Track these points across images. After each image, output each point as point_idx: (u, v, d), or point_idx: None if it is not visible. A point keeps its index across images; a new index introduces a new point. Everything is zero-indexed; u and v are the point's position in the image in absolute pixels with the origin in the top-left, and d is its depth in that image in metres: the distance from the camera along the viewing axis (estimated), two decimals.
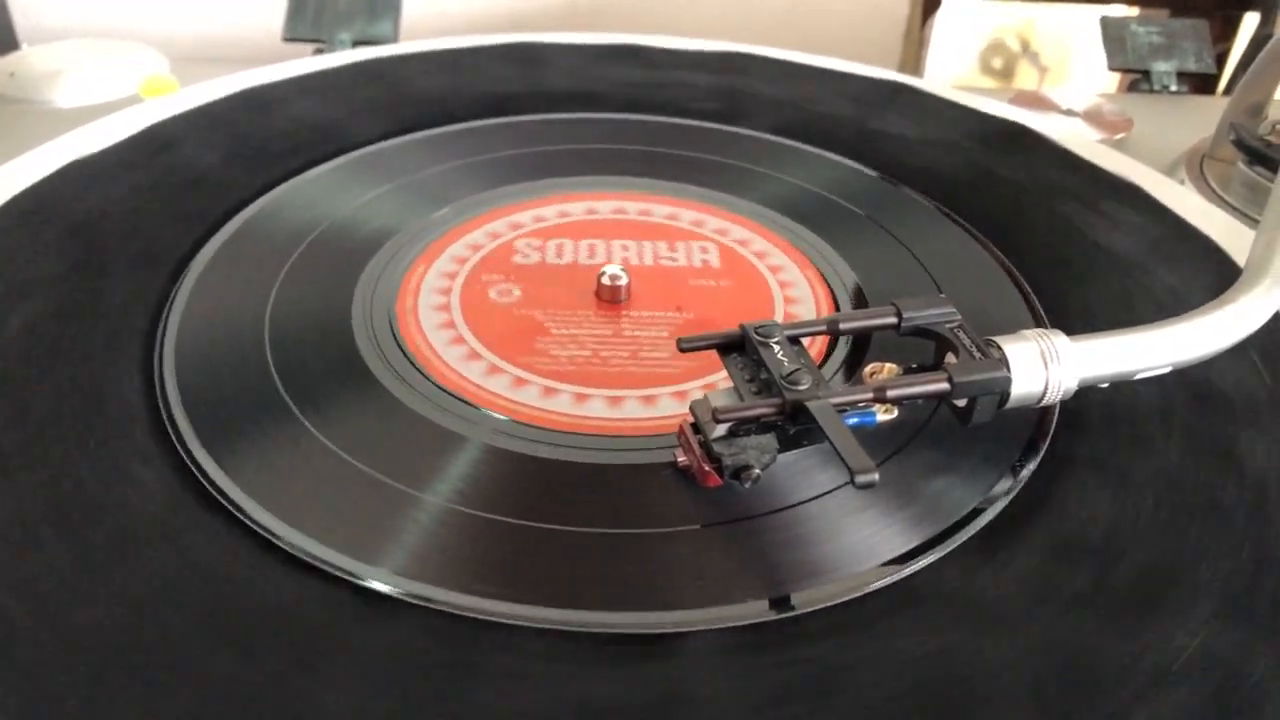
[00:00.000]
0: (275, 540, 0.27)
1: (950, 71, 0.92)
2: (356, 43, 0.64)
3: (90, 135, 0.44)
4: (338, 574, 0.26)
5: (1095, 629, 0.25)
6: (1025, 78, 0.95)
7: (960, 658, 0.25)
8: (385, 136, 0.47)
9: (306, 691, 0.23)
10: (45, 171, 0.41)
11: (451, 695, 0.23)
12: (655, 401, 0.32)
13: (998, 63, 0.94)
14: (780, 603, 0.26)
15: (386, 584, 0.26)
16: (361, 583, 0.26)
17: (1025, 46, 0.94)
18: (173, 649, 0.24)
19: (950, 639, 0.25)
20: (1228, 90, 0.78)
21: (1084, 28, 0.90)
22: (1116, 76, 0.79)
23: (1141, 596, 0.26)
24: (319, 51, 0.63)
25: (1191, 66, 0.66)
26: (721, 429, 0.27)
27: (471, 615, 0.25)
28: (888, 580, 0.26)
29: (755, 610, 0.26)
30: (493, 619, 0.25)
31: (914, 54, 0.89)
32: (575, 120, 0.49)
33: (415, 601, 0.25)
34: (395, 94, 0.51)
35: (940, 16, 0.88)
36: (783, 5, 0.84)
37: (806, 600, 0.26)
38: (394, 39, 0.64)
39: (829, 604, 0.26)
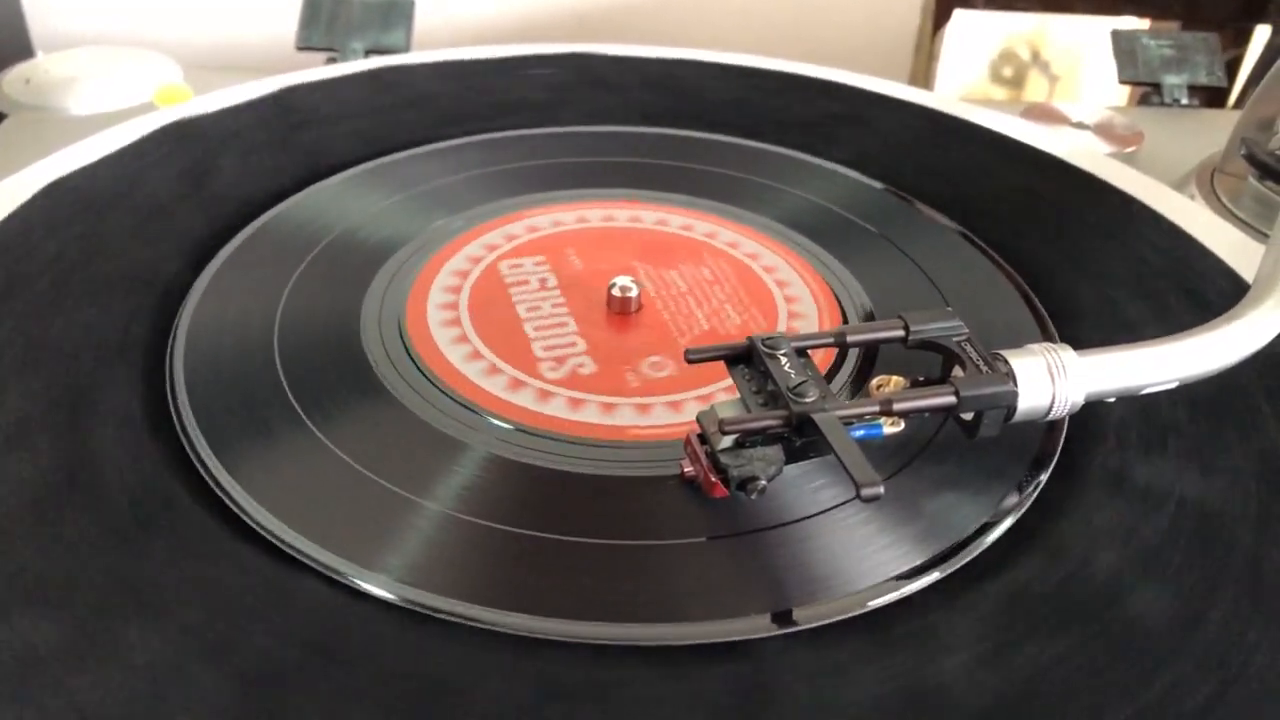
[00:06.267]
0: (280, 544, 0.27)
1: (960, 82, 0.92)
2: (369, 52, 0.65)
3: (106, 140, 0.45)
4: (340, 579, 0.26)
5: (1102, 653, 0.25)
6: (1035, 87, 0.95)
7: (962, 677, 0.24)
8: (398, 147, 0.47)
9: (306, 697, 0.23)
10: (60, 173, 0.42)
11: (447, 705, 0.23)
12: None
13: (1008, 71, 0.94)
14: (782, 617, 0.26)
15: (388, 591, 0.26)
16: (364, 588, 0.26)
17: (1035, 56, 0.94)
18: (170, 652, 0.24)
19: (953, 658, 0.25)
20: (1238, 104, 0.78)
21: (1094, 38, 0.90)
22: (1127, 88, 0.79)
23: (1154, 622, 0.26)
24: (332, 60, 0.64)
25: (1202, 79, 0.66)
26: (728, 440, 0.27)
27: (472, 624, 0.25)
28: (891, 597, 0.26)
29: (757, 625, 0.26)
30: (496, 629, 0.25)
31: (925, 65, 0.89)
32: (588, 132, 0.50)
33: (416, 609, 0.25)
34: (407, 103, 0.52)
35: (950, 28, 0.88)
36: (792, 17, 0.85)
37: (809, 616, 0.26)
38: (406, 48, 0.65)
39: (831, 620, 0.26)
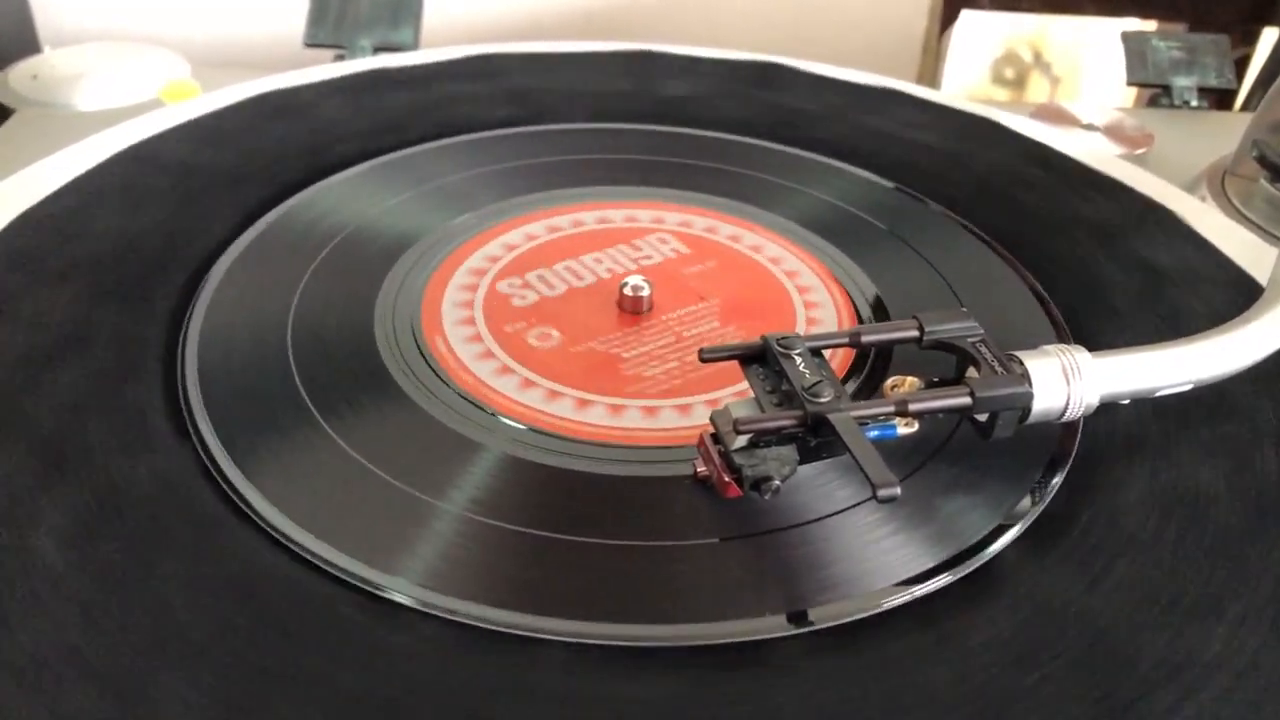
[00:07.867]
0: (293, 546, 0.27)
1: (966, 82, 0.92)
2: (377, 49, 0.64)
3: (115, 137, 0.45)
4: (357, 583, 0.26)
5: (1120, 658, 0.25)
6: (1037, 88, 0.95)
7: (976, 682, 0.24)
8: (410, 143, 0.47)
9: (322, 699, 0.23)
10: (72, 174, 0.42)
11: (467, 708, 0.23)
12: (684, 411, 0.32)
13: (1010, 73, 0.94)
14: (797, 618, 0.26)
15: (406, 594, 0.26)
16: (380, 593, 0.26)
17: (1038, 57, 0.94)
18: (187, 653, 0.24)
19: (968, 662, 0.25)
20: (1245, 106, 0.78)
21: (1100, 40, 0.90)
22: (1132, 90, 0.78)
23: (1173, 623, 0.26)
24: (340, 58, 0.64)
25: (1212, 82, 0.66)
26: (742, 440, 0.27)
27: (489, 627, 0.25)
28: (903, 599, 0.26)
29: (771, 626, 0.26)
30: (510, 631, 0.25)
31: (931, 66, 0.89)
32: (597, 130, 0.49)
33: (433, 612, 0.25)
34: (417, 100, 0.51)
35: (957, 28, 0.88)
36: (798, 17, 0.84)
37: (822, 616, 0.26)
38: (414, 46, 0.65)
39: (844, 621, 0.26)
